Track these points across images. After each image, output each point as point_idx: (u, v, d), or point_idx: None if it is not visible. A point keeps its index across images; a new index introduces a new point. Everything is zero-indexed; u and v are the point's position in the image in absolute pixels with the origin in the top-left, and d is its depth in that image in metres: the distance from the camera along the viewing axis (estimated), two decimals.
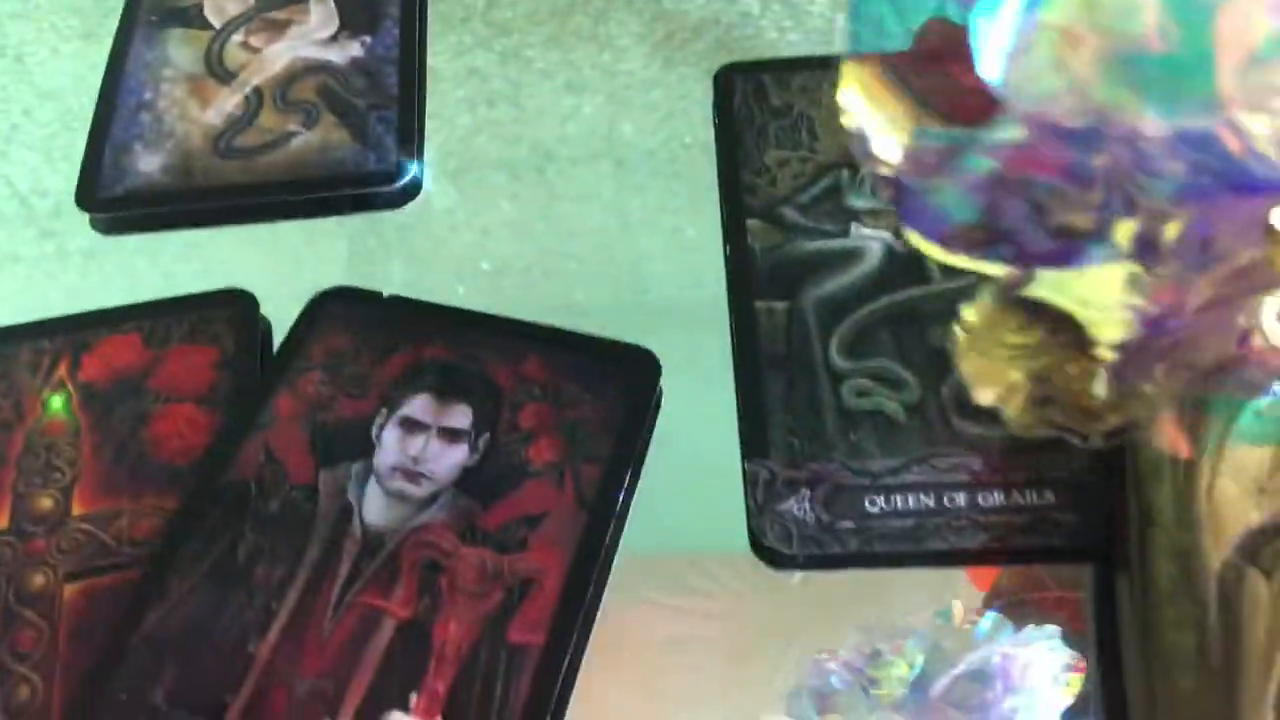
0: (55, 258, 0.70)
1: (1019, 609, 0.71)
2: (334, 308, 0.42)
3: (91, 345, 0.42)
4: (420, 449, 0.38)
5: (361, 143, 0.46)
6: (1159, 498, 0.32)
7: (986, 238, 0.31)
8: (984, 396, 0.35)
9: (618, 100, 0.83)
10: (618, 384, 0.39)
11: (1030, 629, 0.63)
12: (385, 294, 0.42)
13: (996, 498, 0.36)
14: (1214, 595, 0.31)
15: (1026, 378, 0.34)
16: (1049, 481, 0.36)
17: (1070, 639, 0.67)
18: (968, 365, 0.35)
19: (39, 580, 0.37)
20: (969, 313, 0.34)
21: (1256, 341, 0.30)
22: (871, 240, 0.41)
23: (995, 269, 0.32)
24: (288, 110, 0.48)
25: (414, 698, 0.34)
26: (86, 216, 0.48)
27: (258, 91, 0.48)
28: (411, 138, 0.47)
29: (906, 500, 0.36)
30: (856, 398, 0.38)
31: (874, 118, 0.33)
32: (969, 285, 0.35)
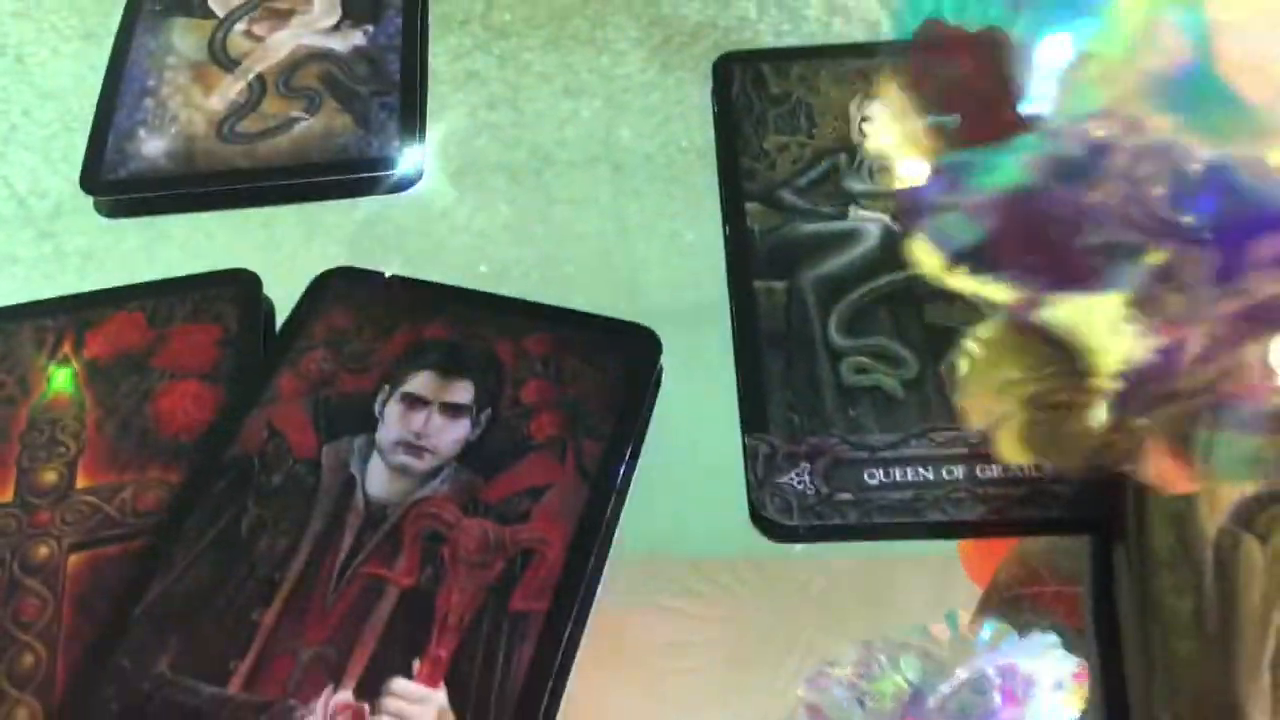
0: (53, 259, 0.70)
1: (1016, 604, 0.71)
2: (336, 287, 0.42)
3: (96, 323, 0.42)
4: (422, 424, 0.38)
5: (364, 128, 0.47)
6: None
7: (999, 260, 0.31)
8: (974, 424, 0.35)
9: (615, 104, 0.83)
10: (618, 360, 0.40)
11: (1033, 637, 0.62)
12: (387, 274, 0.42)
13: (994, 470, 0.36)
14: (1210, 562, 0.31)
15: (1020, 408, 0.34)
16: None
17: (1070, 642, 0.67)
18: (964, 392, 0.35)
19: (43, 551, 0.37)
20: (973, 339, 0.34)
21: (1265, 379, 0.30)
22: (869, 222, 0.42)
23: (1002, 293, 0.31)
24: (290, 96, 0.48)
25: (417, 665, 0.34)
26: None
27: (260, 79, 0.49)
28: (413, 124, 0.47)
29: (905, 473, 0.36)
30: (855, 374, 0.39)
31: (892, 133, 0.34)
32: None
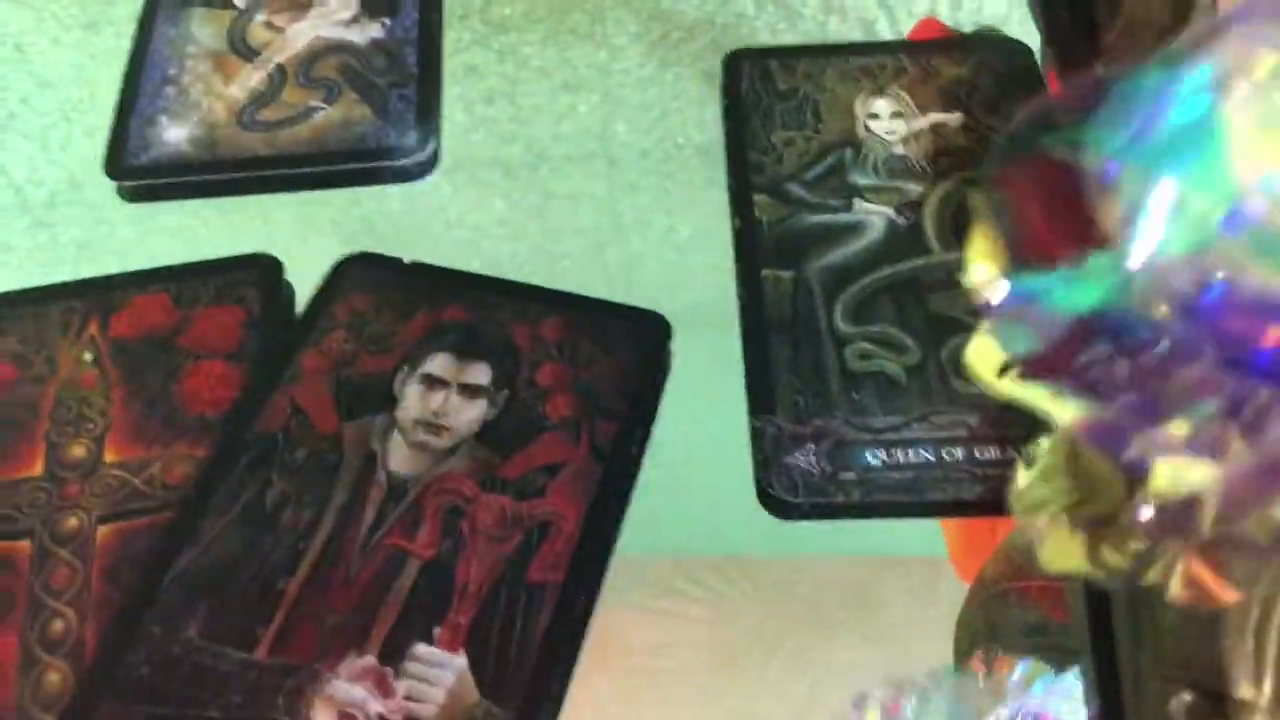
0: (49, 247, 0.71)
1: (1002, 598, 0.73)
2: (357, 271, 0.44)
3: (121, 305, 0.43)
4: (441, 403, 0.40)
5: (382, 118, 0.48)
6: None
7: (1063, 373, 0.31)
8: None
9: (613, 99, 0.85)
10: (630, 344, 0.41)
11: (1066, 678, 0.63)
12: (407, 260, 0.44)
13: (993, 452, 0.37)
14: None
15: (1068, 522, 0.34)
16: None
17: (1053, 626, 0.68)
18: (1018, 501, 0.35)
19: (73, 522, 0.38)
20: (1028, 465, 0.34)
21: None
22: (874, 215, 0.43)
23: (1063, 409, 0.32)
24: (310, 87, 0.49)
25: (437, 631, 0.35)
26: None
27: (280, 69, 0.50)
28: (430, 114, 0.48)
29: (907, 454, 0.38)
30: (859, 360, 0.40)
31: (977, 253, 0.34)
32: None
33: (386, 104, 0.49)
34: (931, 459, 0.38)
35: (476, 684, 0.34)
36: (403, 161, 0.48)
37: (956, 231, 0.42)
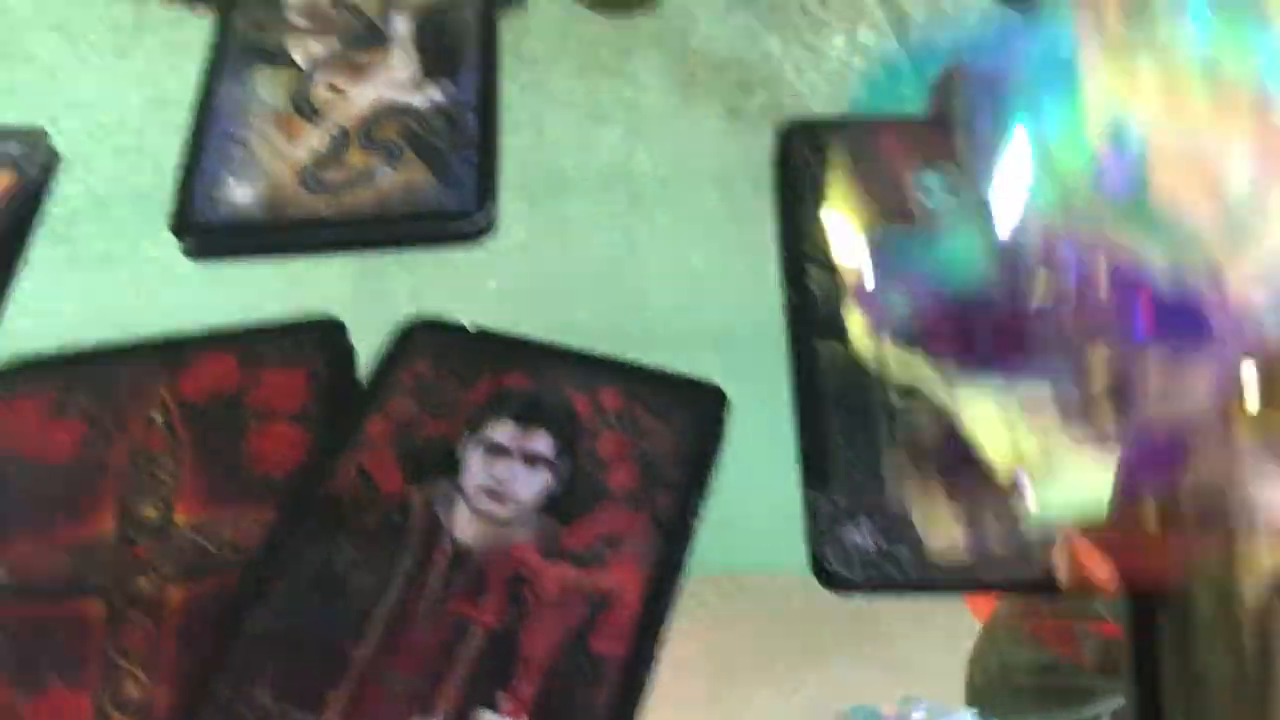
0: (66, 265, 0.72)
1: (1014, 635, 0.73)
2: (421, 336, 0.45)
3: (188, 365, 0.44)
4: (505, 473, 0.41)
5: (442, 181, 0.49)
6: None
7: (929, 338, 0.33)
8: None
9: (636, 133, 0.86)
10: (688, 415, 0.42)
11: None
12: (469, 326, 0.45)
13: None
14: (1251, 628, 0.34)
15: None
16: None
17: (1065, 665, 0.69)
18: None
19: (144, 584, 0.39)
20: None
21: None
22: None
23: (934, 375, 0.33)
24: (372, 149, 0.51)
25: (501, 698, 0.36)
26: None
27: (343, 130, 0.51)
28: (490, 178, 0.50)
29: None
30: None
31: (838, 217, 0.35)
32: None
33: (448, 168, 0.50)
34: None
35: None
36: (463, 225, 0.49)
37: None
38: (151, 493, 0.42)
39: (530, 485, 0.40)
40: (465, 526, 0.40)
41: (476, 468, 0.41)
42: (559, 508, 0.40)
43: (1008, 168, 0.31)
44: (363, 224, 0.49)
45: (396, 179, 0.50)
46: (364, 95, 0.53)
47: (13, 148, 0.53)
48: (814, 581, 0.40)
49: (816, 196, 0.48)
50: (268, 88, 0.53)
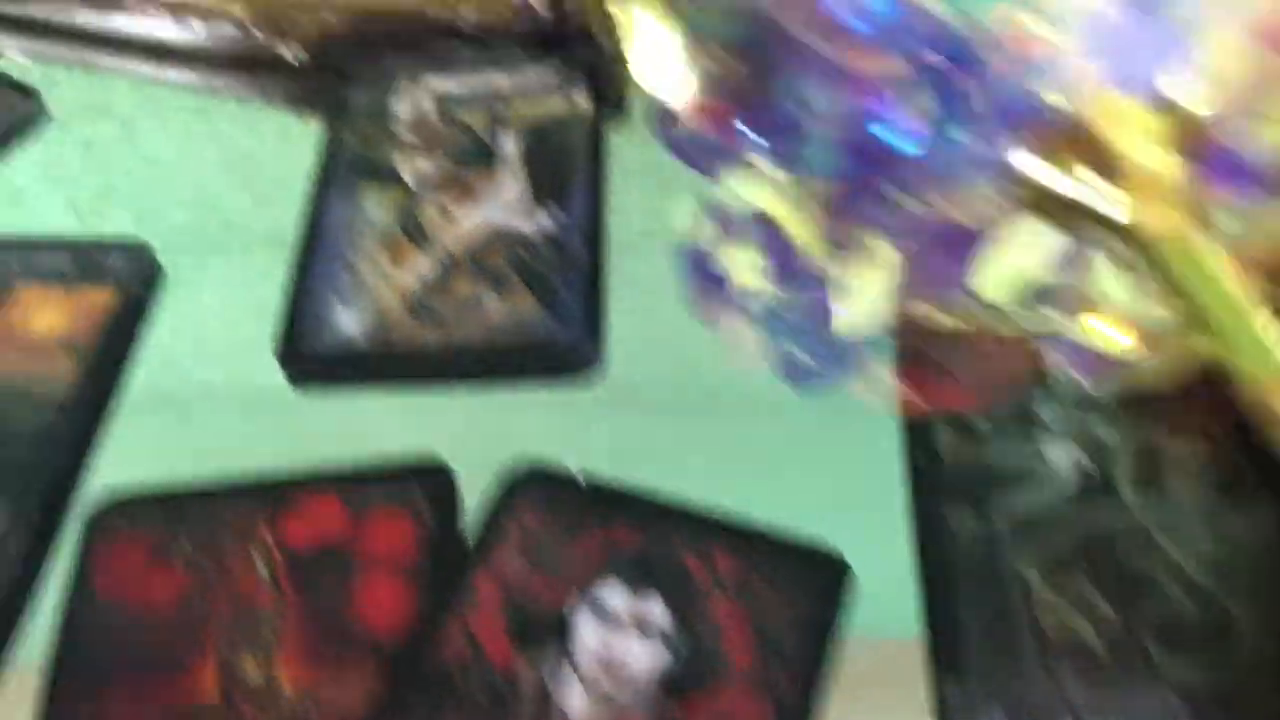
0: (165, 392, 0.72)
1: None
2: (527, 485, 0.43)
3: (291, 507, 0.43)
4: (618, 645, 0.39)
5: (551, 312, 0.48)
6: None
7: None
8: None
9: None
10: (809, 587, 0.40)
11: None
12: (580, 476, 0.43)
13: None
14: None
15: None
16: None
17: None
18: None
19: None
20: None
21: None
22: (1060, 455, 0.42)
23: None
24: (479, 276, 0.50)
25: None
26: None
27: (451, 256, 0.50)
28: (598, 310, 0.48)
29: None
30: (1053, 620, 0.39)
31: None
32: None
33: (555, 297, 0.49)
34: None
35: None
36: (571, 360, 0.47)
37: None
38: (254, 648, 0.40)
39: (645, 663, 0.39)
40: (575, 698, 0.38)
41: (587, 635, 0.39)
42: (675, 685, 0.38)
43: None
44: (470, 356, 0.47)
45: (503, 308, 0.48)
46: (472, 218, 0.52)
47: (115, 261, 0.52)
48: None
49: None
50: (376, 208, 0.53)
